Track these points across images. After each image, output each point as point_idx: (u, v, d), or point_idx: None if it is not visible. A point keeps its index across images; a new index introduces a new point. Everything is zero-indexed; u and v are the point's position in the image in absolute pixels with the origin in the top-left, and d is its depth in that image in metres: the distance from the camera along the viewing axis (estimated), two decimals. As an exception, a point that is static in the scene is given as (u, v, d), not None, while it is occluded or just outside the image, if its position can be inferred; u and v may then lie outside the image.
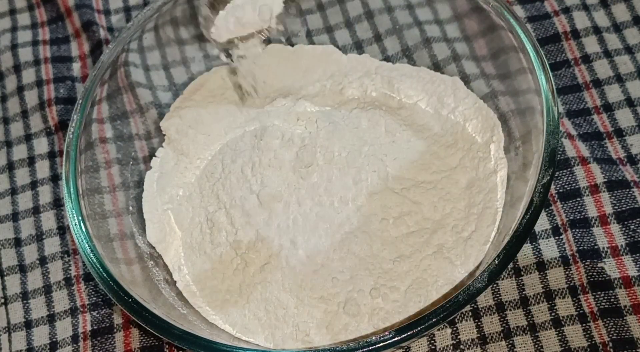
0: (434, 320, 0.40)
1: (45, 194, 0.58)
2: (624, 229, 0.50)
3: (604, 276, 0.49)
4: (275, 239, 0.48)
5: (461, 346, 0.48)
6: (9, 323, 0.54)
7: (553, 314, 0.48)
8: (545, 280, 0.49)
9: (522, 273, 0.50)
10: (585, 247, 0.50)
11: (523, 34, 0.48)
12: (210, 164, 0.53)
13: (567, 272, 0.49)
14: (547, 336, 0.48)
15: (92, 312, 0.53)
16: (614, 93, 0.56)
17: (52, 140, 0.60)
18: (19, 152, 0.60)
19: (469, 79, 0.54)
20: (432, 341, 0.49)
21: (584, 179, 0.52)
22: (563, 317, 0.48)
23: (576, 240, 0.50)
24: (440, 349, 0.49)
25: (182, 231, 0.52)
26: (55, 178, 0.58)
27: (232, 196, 0.50)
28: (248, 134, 0.53)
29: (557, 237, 0.51)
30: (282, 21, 0.49)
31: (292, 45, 0.59)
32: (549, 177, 0.43)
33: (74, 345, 0.52)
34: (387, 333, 0.40)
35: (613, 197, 0.51)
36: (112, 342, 0.52)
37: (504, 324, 0.49)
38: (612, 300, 0.48)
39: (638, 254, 0.49)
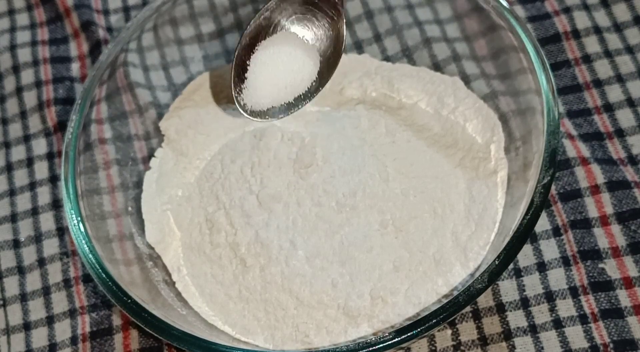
0: (434, 321, 0.40)
1: (44, 195, 0.57)
2: (624, 229, 0.50)
3: (605, 276, 0.49)
4: (274, 239, 0.48)
5: (461, 347, 0.48)
6: (7, 325, 0.53)
7: (554, 315, 0.48)
8: (545, 281, 0.49)
9: (523, 274, 0.50)
10: (585, 248, 0.50)
11: (523, 34, 0.48)
12: (209, 164, 0.53)
13: (568, 273, 0.49)
14: (547, 337, 0.48)
15: (91, 313, 0.53)
16: (614, 93, 0.55)
17: (50, 141, 0.60)
18: (18, 153, 0.60)
19: (469, 79, 0.54)
20: (433, 342, 0.49)
21: (584, 180, 0.52)
22: (564, 318, 0.48)
23: (577, 241, 0.50)
24: (440, 350, 0.49)
25: (182, 231, 0.52)
26: (54, 179, 0.58)
27: (232, 197, 0.50)
28: (247, 134, 0.53)
29: (557, 238, 0.51)
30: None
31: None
32: (549, 178, 0.43)
33: (73, 347, 0.52)
34: (387, 334, 0.40)
35: (614, 198, 0.51)
36: (112, 344, 0.51)
37: (505, 325, 0.48)
38: (612, 301, 0.48)
39: (639, 255, 0.49)
